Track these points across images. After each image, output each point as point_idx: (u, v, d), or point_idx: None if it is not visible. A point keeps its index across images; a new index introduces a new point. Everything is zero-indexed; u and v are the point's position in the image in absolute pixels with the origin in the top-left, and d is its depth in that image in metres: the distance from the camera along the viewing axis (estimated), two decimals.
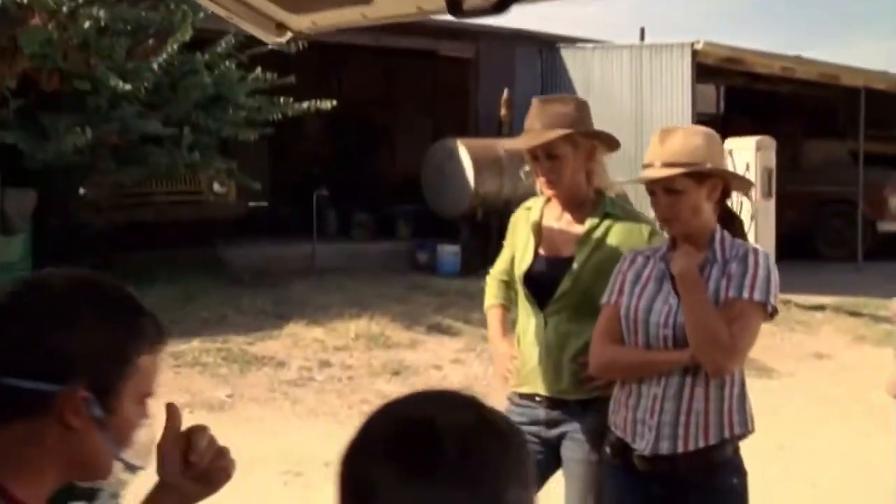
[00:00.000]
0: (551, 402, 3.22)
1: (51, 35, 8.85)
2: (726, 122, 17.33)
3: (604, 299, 2.94)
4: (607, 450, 2.93)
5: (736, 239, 2.87)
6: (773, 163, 12.53)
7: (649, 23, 26.27)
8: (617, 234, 3.21)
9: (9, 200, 8.85)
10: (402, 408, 1.19)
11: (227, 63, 10.46)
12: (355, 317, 9.33)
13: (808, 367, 9.56)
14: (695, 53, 13.53)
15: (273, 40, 3.10)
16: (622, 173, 4.22)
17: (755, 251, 2.81)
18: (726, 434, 2.77)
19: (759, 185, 12.31)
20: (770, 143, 12.59)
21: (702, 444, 2.76)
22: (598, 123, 3.30)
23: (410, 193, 14.34)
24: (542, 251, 3.31)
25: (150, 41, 9.82)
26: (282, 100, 10.71)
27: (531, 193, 3.51)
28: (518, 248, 3.38)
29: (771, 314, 2.79)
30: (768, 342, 10.45)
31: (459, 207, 13.39)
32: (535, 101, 3.29)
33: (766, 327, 10.31)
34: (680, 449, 2.76)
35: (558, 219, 3.31)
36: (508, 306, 3.49)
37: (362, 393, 7.45)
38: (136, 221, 11.04)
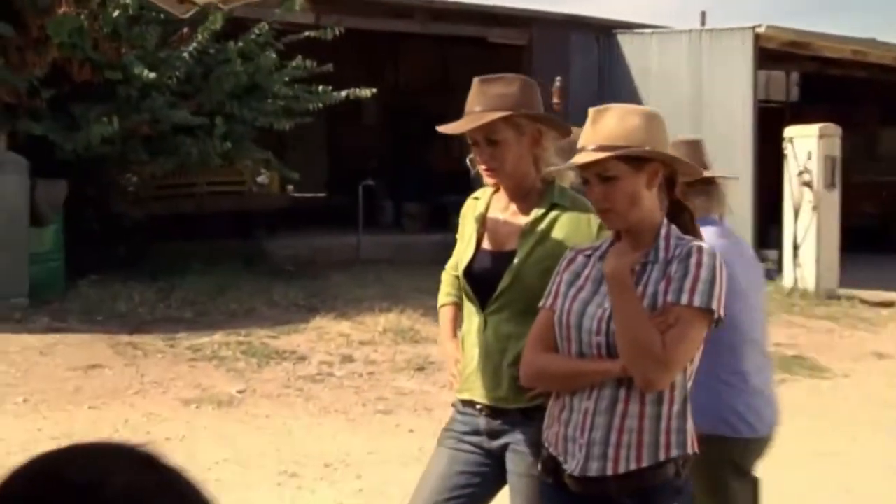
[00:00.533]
0: (491, 411, 2.94)
1: (81, 24, 8.78)
2: (797, 110, 16.66)
3: (540, 302, 2.64)
4: (539, 467, 2.64)
5: (686, 235, 2.54)
6: (837, 151, 11.90)
7: (711, 8, 25.43)
8: (563, 226, 2.91)
9: (39, 191, 8.83)
10: (60, 467, 0.91)
11: (266, 52, 10.28)
12: (386, 310, 9.07)
13: (865, 368, 9.02)
14: (757, 38, 12.91)
15: (178, 13, 2.89)
16: None
17: (699, 249, 2.46)
18: (661, 457, 2.45)
19: (821, 174, 11.73)
20: (835, 130, 11.97)
21: (633, 466, 2.44)
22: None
23: (464, 183, 14.02)
24: (485, 245, 3.02)
25: (185, 30, 9.70)
26: (320, 88, 10.50)
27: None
28: (463, 241, 3.09)
29: (716, 322, 2.44)
30: (824, 340, 9.91)
31: None
32: (475, 81, 2.98)
33: (823, 324, 9.74)
34: (609, 471, 2.45)
35: (504, 210, 3.02)
36: (461, 304, 3.21)
37: (380, 390, 7.17)
38: (176, 212, 10.99)
